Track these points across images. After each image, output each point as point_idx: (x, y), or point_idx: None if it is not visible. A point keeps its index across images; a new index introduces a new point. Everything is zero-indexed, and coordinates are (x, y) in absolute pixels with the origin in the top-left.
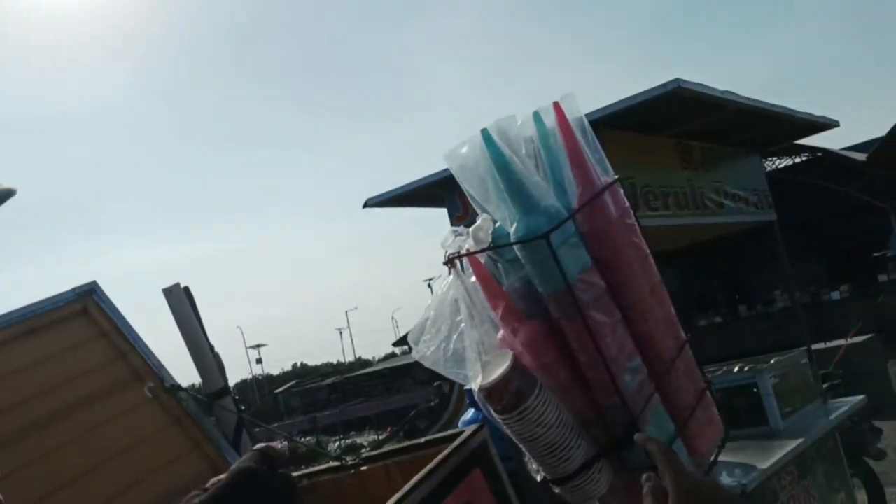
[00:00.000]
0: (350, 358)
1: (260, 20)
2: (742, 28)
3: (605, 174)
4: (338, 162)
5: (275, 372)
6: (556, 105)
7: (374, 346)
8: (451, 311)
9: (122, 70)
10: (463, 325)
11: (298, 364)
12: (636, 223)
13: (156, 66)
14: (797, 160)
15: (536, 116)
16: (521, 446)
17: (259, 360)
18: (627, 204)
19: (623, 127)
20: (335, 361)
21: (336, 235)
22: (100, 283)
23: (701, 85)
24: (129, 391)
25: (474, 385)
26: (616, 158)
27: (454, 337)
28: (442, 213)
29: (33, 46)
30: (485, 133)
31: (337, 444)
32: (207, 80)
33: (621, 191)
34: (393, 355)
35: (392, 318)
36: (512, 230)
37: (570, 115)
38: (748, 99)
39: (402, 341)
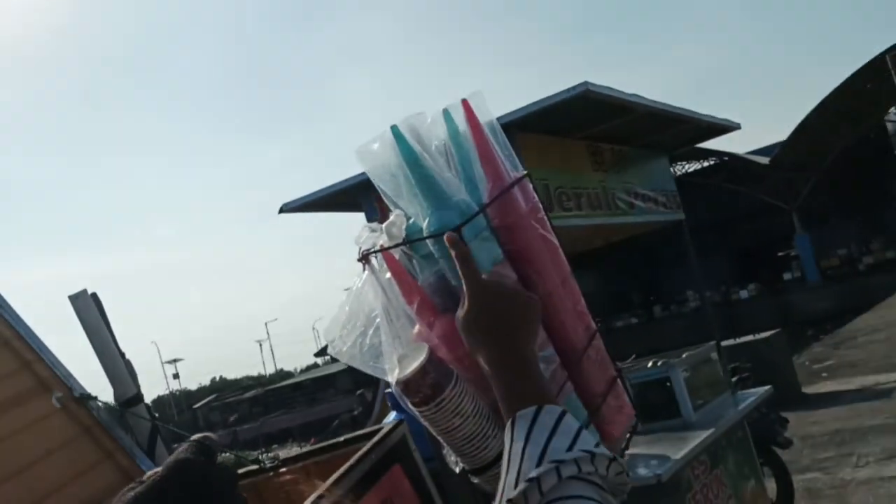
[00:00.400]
0: (271, 370)
1: (163, 27)
2: (652, 38)
3: (514, 170)
4: (255, 170)
5: (193, 387)
6: (465, 102)
7: (295, 357)
8: (366, 307)
9: (22, 73)
10: (378, 320)
11: (217, 378)
12: (546, 217)
13: (55, 73)
14: (705, 164)
15: (446, 113)
16: (439, 439)
17: (176, 376)
18: (537, 198)
19: (536, 130)
20: (256, 374)
21: (253, 246)
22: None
23: (609, 88)
24: (36, 402)
25: (391, 378)
26: (529, 160)
27: (370, 332)
28: (360, 217)
29: None
30: (394, 129)
31: (258, 457)
32: (113, 90)
33: (531, 185)
34: (315, 366)
35: (313, 328)
36: (424, 225)
37: (478, 113)
38: (654, 102)
39: (323, 352)
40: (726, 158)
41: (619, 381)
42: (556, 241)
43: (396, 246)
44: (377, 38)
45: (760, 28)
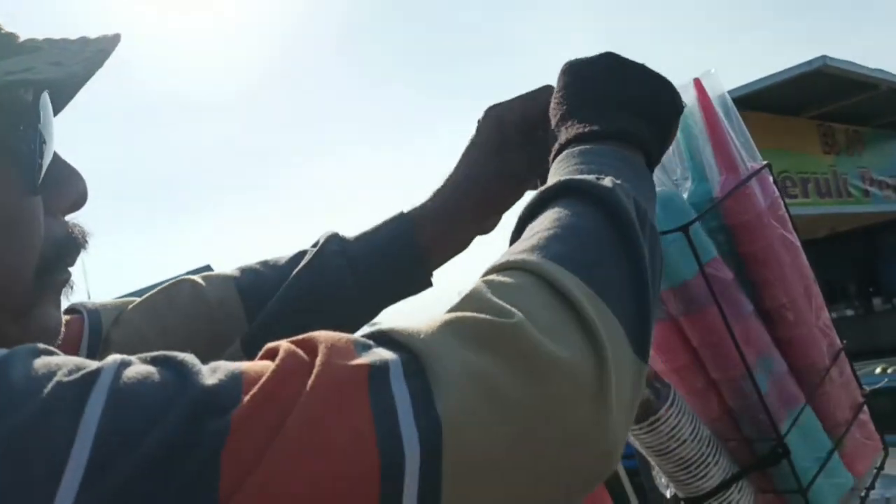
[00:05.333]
0: None
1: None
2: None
3: (752, 160)
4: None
5: None
6: (697, 82)
7: None
8: None
9: (250, 60)
10: None
11: None
12: (787, 215)
13: (276, 60)
14: None
15: None
16: (649, 459)
17: None
18: (777, 193)
19: (760, 108)
20: None
21: None
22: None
23: (849, 62)
24: None
25: None
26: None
27: None
28: None
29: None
30: None
31: None
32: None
33: (771, 178)
34: None
35: None
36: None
37: (711, 94)
38: None
39: None
40: None
41: (866, 408)
42: (797, 242)
43: None
44: (584, 13)
45: None
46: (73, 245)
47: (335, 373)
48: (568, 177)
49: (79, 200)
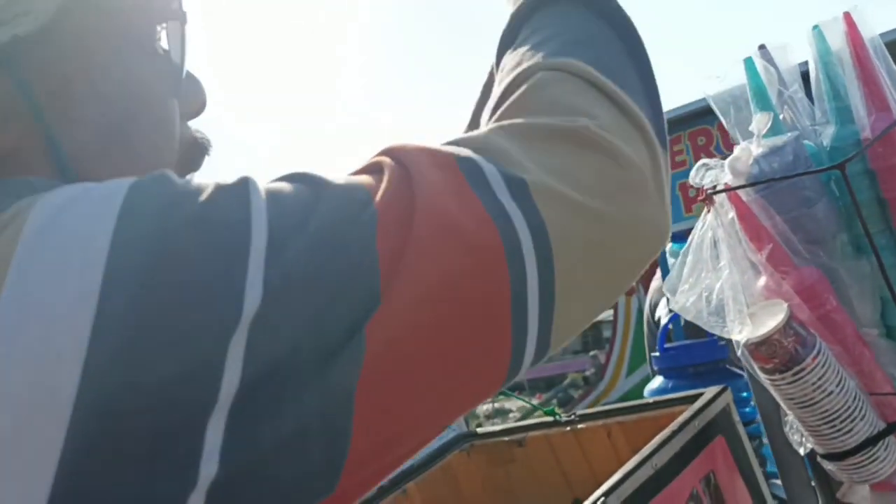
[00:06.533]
0: None
1: None
2: None
3: None
4: None
5: None
6: (847, 16)
7: None
8: (711, 256)
9: None
10: (726, 271)
11: None
12: None
13: None
14: None
15: (816, 31)
16: (789, 413)
17: None
18: None
19: None
20: None
21: None
22: None
23: None
24: None
25: (739, 337)
26: None
27: (717, 286)
28: None
29: None
30: (748, 62)
31: (485, 406)
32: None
33: None
34: None
35: None
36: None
37: (862, 30)
38: None
39: None
40: None
41: None
42: None
43: (758, 184)
44: None
45: None
46: (199, 149)
47: (432, 170)
48: None
49: (201, 108)
